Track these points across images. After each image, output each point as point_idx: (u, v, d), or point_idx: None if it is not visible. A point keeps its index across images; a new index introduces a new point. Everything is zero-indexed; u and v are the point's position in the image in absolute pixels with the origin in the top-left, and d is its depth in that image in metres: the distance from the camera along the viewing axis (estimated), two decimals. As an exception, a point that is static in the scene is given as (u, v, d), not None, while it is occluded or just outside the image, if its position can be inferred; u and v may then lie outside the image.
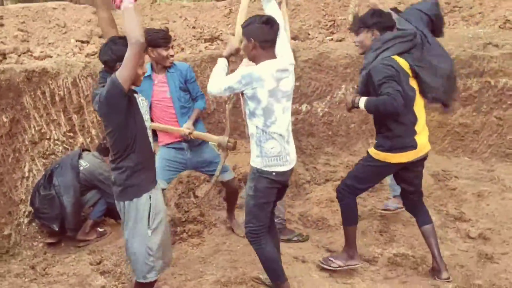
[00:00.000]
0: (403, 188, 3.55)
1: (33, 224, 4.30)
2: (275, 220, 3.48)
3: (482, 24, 6.39)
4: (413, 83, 3.23)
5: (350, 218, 3.48)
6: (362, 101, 3.19)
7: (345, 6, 7.25)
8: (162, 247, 2.83)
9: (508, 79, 5.60)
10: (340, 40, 6.31)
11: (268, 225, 3.10)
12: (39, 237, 4.23)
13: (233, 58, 3.59)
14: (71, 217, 3.99)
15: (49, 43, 5.38)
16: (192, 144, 3.79)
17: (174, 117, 3.73)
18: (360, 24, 3.36)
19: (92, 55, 5.24)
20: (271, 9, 3.09)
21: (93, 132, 4.88)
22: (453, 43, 5.86)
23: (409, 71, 3.20)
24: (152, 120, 3.73)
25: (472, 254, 3.80)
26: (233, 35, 3.63)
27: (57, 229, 4.01)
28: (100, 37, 5.83)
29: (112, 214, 4.34)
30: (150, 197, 2.72)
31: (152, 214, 2.72)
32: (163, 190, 3.72)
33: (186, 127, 3.65)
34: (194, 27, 6.85)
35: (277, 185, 3.00)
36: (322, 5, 7.42)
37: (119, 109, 2.54)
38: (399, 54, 3.17)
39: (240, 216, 4.61)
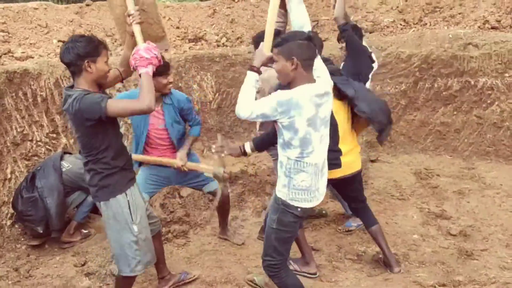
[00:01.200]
0: (344, 198, 3.75)
1: (16, 226, 4.25)
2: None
3: (462, 25, 6.50)
4: (335, 105, 3.15)
5: None
6: None
7: (328, 7, 7.31)
8: (147, 241, 2.87)
9: (487, 79, 5.72)
10: (324, 40, 6.35)
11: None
12: (22, 239, 4.18)
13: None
14: (55, 218, 3.96)
15: (31, 44, 5.31)
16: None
17: (172, 146, 3.69)
18: None
19: (75, 55, 5.20)
20: (299, 12, 2.70)
21: (77, 133, 4.84)
22: (434, 43, 5.95)
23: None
24: (146, 150, 3.70)
25: (453, 251, 3.87)
26: (256, 41, 3.41)
27: (41, 232, 3.97)
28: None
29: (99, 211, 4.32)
30: (126, 195, 2.75)
31: (133, 209, 2.76)
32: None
33: (179, 158, 3.60)
34: (178, 27, 6.83)
35: (301, 220, 2.83)
36: (306, 5, 7.45)
37: (88, 124, 2.56)
38: None
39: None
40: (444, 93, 5.95)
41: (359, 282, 3.51)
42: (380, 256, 3.69)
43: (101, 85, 2.72)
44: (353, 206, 3.71)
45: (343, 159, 3.30)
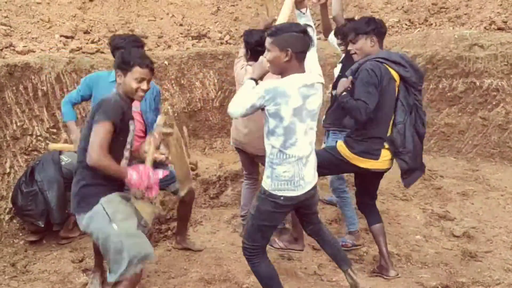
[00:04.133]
0: (357, 189, 3.61)
1: (14, 221, 4.21)
2: None
3: (468, 25, 6.44)
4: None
5: None
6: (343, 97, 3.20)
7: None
8: (136, 240, 2.61)
9: (493, 80, 5.65)
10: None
11: (265, 246, 2.91)
12: (20, 234, 4.14)
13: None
14: (56, 211, 3.90)
15: (33, 38, 5.28)
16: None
17: (143, 132, 3.42)
18: (358, 31, 3.32)
19: (77, 50, 5.17)
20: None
21: (77, 128, 4.80)
22: (440, 43, 5.90)
23: (397, 78, 3.18)
24: None
25: (456, 252, 3.81)
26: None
27: (42, 226, 3.92)
28: (85, 32, 5.75)
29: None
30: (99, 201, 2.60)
31: (109, 210, 2.58)
32: None
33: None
34: (181, 24, 6.80)
35: (284, 209, 2.79)
36: (311, 4, 7.42)
37: None
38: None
39: (224, 214, 4.59)
40: (448, 94, 5.89)
41: (361, 282, 3.45)
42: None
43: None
44: (365, 201, 3.58)
45: (383, 152, 3.23)
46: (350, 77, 3.23)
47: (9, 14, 5.50)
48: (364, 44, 3.29)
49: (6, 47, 4.84)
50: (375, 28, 3.27)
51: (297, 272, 3.55)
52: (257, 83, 2.68)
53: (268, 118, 2.58)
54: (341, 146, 3.33)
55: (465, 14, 6.69)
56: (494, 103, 5.72)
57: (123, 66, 2.62)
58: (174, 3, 7.14)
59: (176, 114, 5.62)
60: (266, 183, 2.69)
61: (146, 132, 3.42)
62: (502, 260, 3.69)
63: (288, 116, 2.53)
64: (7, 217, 4.17)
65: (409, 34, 6.53)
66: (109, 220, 2.55)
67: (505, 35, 5.87)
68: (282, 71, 2.61)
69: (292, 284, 3.38)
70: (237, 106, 2.61)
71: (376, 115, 3.15)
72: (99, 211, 2.58)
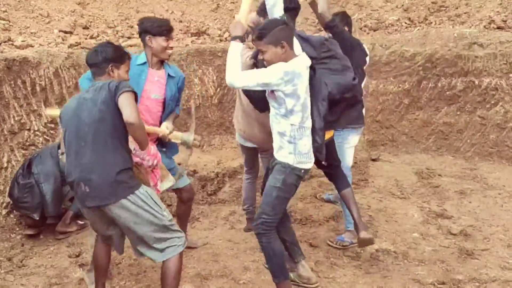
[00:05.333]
0: (318, 165, 3.52)
1: (11, 215, 4.21)
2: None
3: (468, 24, 6.44)
4: None
5: None
6: None
7: (333, 4, 7.26)
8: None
9: (492, 79, 5.65)
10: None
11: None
12: (17, 228, 4.14)
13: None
14: (51, 204, 3.91)
15: (31, 33, 5.27)
16: (164, 145, 3.45)
17: (159, 122, 3.35)
18: None
19: (76, 45, 5.16)
20: None
21: (75, 123, 4.79)
22: (439, 42, 5.90)
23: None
24: None
25: (453, 250, 3.81)
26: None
27: (37, 218, 3.92)
28: (84, 28, 5.74)
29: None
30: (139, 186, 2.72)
31: (155, 198, 2.75)
32: None
33: (166, 127, 3.27)
34: (180, 21, 6.80)
35: (299, 183, 3.00)
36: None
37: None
38: None
39: (222, 211, 4.59)
40: (447, 92, 5.90)
41: (357, 279, 3.45)
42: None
43: None
44: (329, 171, 3.62)
45: None
46: None
47: (8, 9, 5.49)
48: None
49: (5, 42, 4.84)
50: None
51: (294, 269, 3.55)
52: (242, 41, 2.85)
53: (284, 99, 2.74)
54: None
55: (465, 13, 6.69)
56: (492, 102, 5.72)
57: (119, 59, 2.78)
58: (174, 0, 7.14)
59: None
60: (289, 158, 2.87)
61: (161, 120, 3.36)
62: (499, 258, 3.69)
63: (303, 94, 2.78)
64: (4, 212, 4.18)
65: (408, 32, 6.52)
66: (159, 207, 2.69)
67: (504, 34, 5.87)
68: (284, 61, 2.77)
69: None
70: (238, 78, 2.71)
71: None
72: (147, 197, 2.66)
